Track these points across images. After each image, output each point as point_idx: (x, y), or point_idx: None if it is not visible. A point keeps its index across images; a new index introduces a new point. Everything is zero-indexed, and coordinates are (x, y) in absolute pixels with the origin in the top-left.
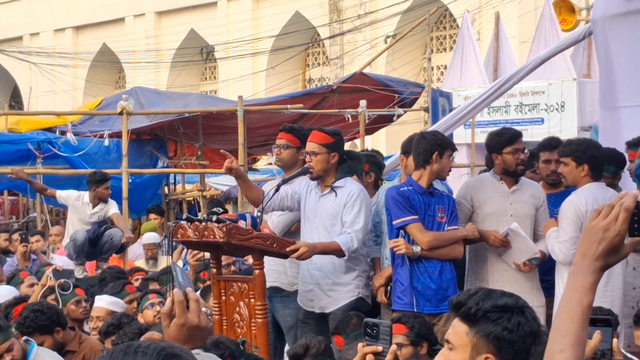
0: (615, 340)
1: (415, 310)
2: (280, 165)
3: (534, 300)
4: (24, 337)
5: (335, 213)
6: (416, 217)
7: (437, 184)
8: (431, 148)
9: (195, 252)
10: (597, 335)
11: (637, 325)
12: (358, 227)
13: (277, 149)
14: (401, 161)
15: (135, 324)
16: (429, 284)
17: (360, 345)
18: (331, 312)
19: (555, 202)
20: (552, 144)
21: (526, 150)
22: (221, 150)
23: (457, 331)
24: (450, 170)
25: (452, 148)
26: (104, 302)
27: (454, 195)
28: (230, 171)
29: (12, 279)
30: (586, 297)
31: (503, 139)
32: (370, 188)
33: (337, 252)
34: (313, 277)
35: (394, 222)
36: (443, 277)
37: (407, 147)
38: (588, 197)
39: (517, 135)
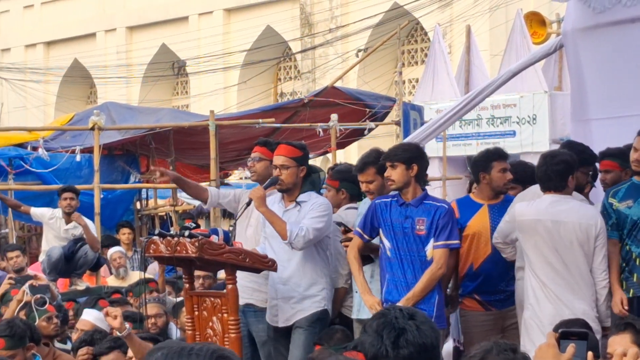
0: (590, 353)
1: None
2: (255, 179)
3: None
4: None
5: None
6: (360, 232)
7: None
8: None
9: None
10: (570, 348)
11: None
12: (315, 227)
13: (251, 162)
14: None
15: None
16: (398, 297)
17: None
18: (295, 322)
19: (499, 211)
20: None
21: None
22: (151, 167)
23: None
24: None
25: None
26: (91, 317)
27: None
28: (163, 177)
29: (4, 297)
30: None
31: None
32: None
33: (281, 230)
34: (278, 292)
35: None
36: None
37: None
38: None
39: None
